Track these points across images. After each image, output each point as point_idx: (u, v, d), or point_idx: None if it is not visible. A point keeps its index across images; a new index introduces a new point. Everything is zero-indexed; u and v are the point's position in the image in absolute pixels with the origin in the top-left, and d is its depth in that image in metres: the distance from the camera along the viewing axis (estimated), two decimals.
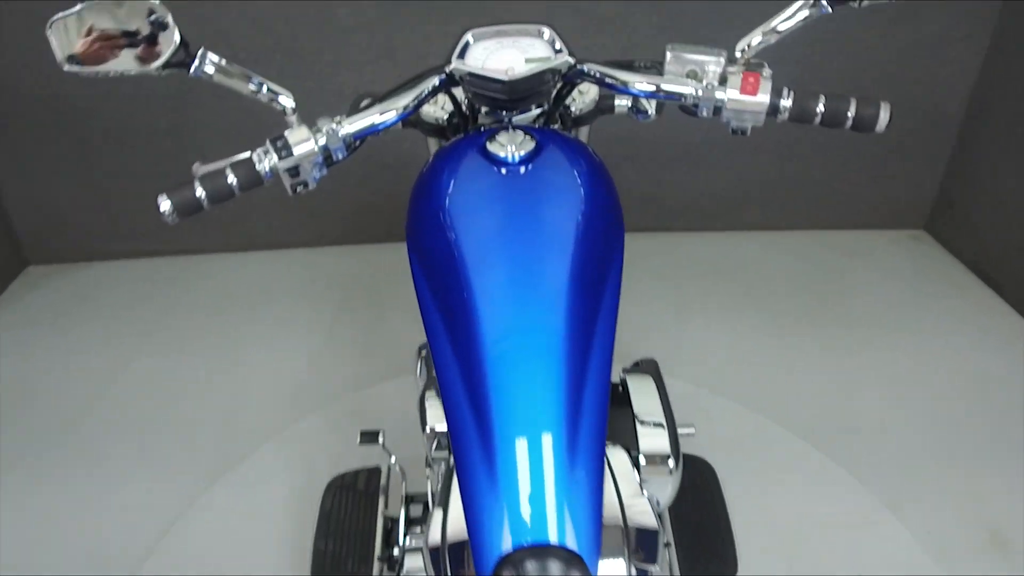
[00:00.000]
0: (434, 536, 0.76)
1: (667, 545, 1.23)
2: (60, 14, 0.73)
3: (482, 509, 0.67)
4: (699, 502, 1.39)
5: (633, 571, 0.75)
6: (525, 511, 0.65)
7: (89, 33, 0.74)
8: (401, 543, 1.24)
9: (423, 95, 0.89)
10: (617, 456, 0.90)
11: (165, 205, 0.79)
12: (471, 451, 0.69)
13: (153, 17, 0.75)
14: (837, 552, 1.65)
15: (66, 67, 0.75)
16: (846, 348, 2.29)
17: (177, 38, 0.75)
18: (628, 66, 0.90)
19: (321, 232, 2.85)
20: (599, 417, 0.71)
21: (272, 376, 2.24)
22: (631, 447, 0.94)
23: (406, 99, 0.88)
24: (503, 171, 0.83)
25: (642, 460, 0.93)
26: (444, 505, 0.80)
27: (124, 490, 1.87)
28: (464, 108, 1.01)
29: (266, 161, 0.81)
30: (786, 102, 0.83)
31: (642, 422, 0.96)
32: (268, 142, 0.81)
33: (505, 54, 0.90)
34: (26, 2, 2.23)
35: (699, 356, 2.26)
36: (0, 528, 1.77)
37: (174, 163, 2.55)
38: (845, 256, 2.75)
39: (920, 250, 2.80)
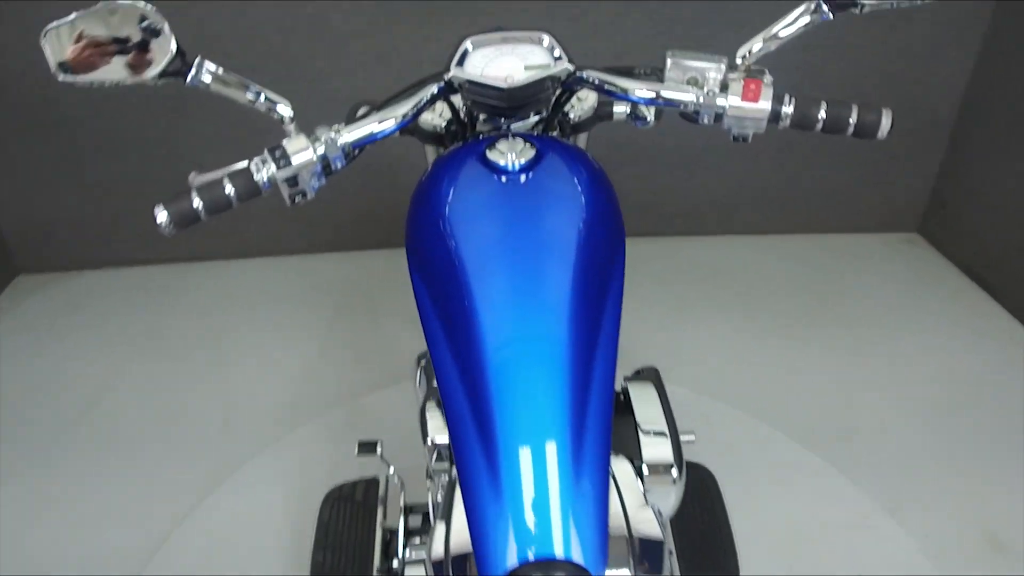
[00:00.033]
0: (437, 550, 0.75)
1: (670, 553, 1.23)
2: (54, 23, 0.72)
3: (486, 522, 0.66)
4: (700, 509, 1.39)
5: None
6: (530, 524, 0.64)
7: (79, 40, 0.73)
8: (400, 555, 1.23)
9: (422, 103, 0.88)
10: (620, 466, 0.90)
11: (162, 216, 0.78)
12: (474, 462, 0.68)
13: (145, 23, 0.74)
14: (836, 555, 1.64)
15: (60, 77, 0.74)
16: (842, 351, 2.29)
17: (173, 47, 0.74)
18: (628, 73, 0.90)
19: (314, 239, 2.83)
20: (603, 426, 0.71)
21: (267, 385, 2.22)
22: (634, 456, 0.93)
23: (405, 107, 0.87)
24: (503, 179, 0.83)
25: (645, 470, 0.93)
26: (447, 518, 0.79)
27: (116, 503, 1.85)
28: (462, 115, 1.00)
29: (264, 171, 0.80)
30: (788, 109, 0.82)
31: (645, 431, 0.95)
32: (266, 151, 0.80)
33: (504, 61, 0.89)
34: (17, 7, 2.22)
35: (696, 360, 2.26)
36: None
37: (166, 170, 2.55)
38: (840, 259, 2.76)
39: (914, 253, 2.81)
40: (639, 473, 0.92)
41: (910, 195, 2.84)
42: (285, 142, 0.81)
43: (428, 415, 0.95)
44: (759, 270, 2.72)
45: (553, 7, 2.35)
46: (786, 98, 0.83)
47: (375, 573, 1.27)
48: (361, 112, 0.95)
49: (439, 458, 0.95)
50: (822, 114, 0.82)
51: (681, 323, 2.43)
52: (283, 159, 0.80)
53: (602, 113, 1.07)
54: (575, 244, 0.78)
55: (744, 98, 0.82)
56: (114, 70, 0.75)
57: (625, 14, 2.39)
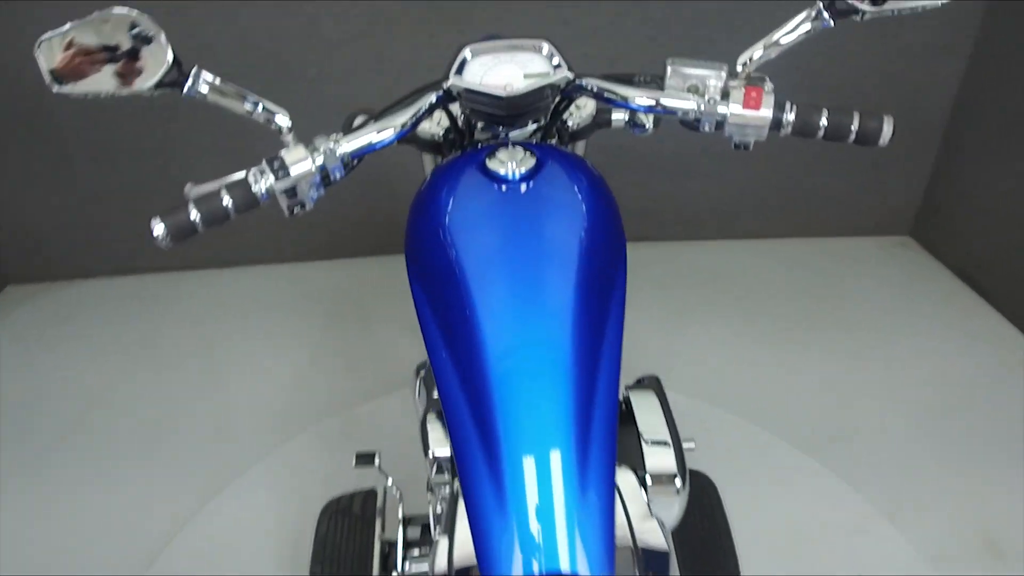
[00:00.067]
0: (440, 565, 0.74)
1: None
2: (48, 34, 0.71)
3: (490, 536, 0.65)
4: (700, 517, 1.38)
5: None
6: (536, 537, 0.63)
7: (69, 47, 0.72)
8: (400, 567, 1.22)
9: (421, 112, 0.87)
10: (624, 476, 0.89)
11: (159, 229, 0.77)
12: (477, 473, 0.67)
13: (135, 31, 0.73)
14: (835, 558, 1.64)
15: (55, 88, 0.72)
16: (838, 355, 2.30)
17: (170, 57, 0.73)
18: (628, 80, 0.90)
19: (306, 246, 2.82)
20: (608, 435, 0.70)
21: (260, 395, 2.20)
22: (637, 466, 0.92)
23: (404, 117, 0.86)
24: (503, 188, 0.82)
25: (648, 480, 0.92)
26: (449, 532, 0.78)
27: (109, 515, 1.82)
28: (460, 124, 0.99)
29: (262, 182, 0.79)
30: (789, 116, 0.82)
31: (647, 441, 0.94)
32: (264, 162, 0.79)
33: (503, 69, 0.88)
34: (6, 16, 2.20)
35: (693, 364, 2.25)
36: None
37: (158, 179, 2.54)
38: (835, 263, 2.77)
39: (907, 256, 2.82)
40: (642, 483, 0.92)
41: (903, 199, 2.86)
42: (283, 152, 0.80)
43: (429, 427, 0.94)
44: (755, 274, 2.72)
45: (544, 10, 2.35)
46: (787, 106, 0.82)
47: None
48: (358, 121, 0.94)
49: (440, 471, 0.94)
50: (823, 121, 0.82)
51: (678, 327, 2.43)
52: (281, 170, 0.79)
53: (600, 120, 1.07)
54: (577, 252, 0.77)
55: (745, 106, 0.82)
56: (104, 79, 0.74)
57: (613, 26, 2.39)
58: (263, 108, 0.79)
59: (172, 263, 2.77)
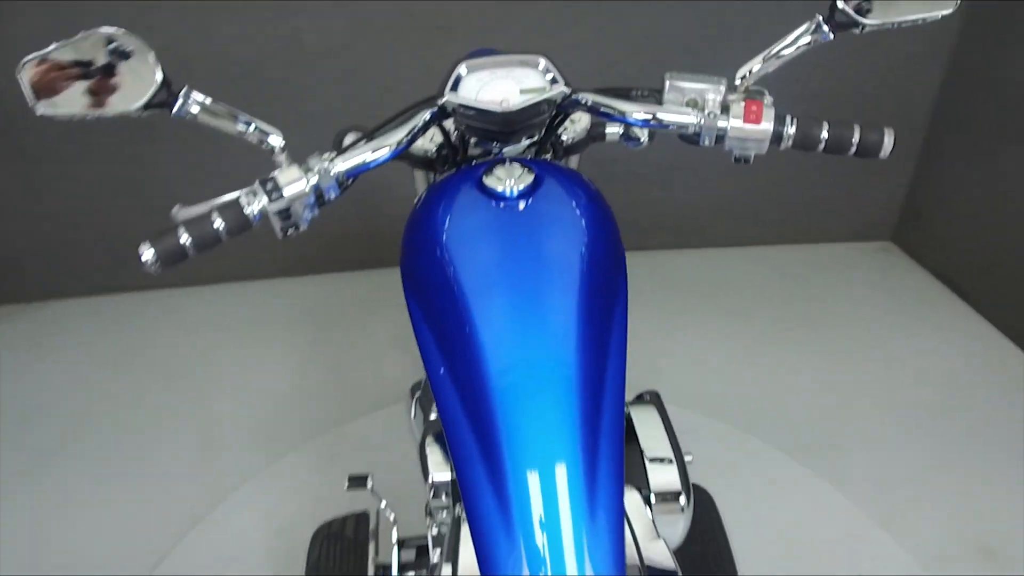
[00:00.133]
0: None
1: None
2: (31, 55, 0.68)
3: (497, 560, 0.63)
4: (699, 531, 1.37)
5: None
6: (545, 560, 0.61)
7: (43, 63, 0.70)
8: None
9: (416, 130, 0.85)
10: (629, 496, 0.87)
11: (148, 254, 0.74)
12: (482, 495, 0.65)
13: (112, 46, 0.70)
14: (832, 563, 1.65)
15: (39, 110, 0.70)
16: (824, 361, 2.31)
17: (159, 77, 0.71)
18: (625, 95, 0.89)
19: (289, 262, 2.78)
20: (617, 451, 0.68)
21: (245, 415, 2.16)
22: (641, 485, 0.91)
23: (399, 135, 0.84)
24: (501, 205, 0.80)
25: (653, 499, 0.90)
26: (453, 559, 0.76)
27: (93, 542, 1.76)
28: (453, 140, 0.98)
29: (255, 203, 0.76)
30: (790, 130, 0.82)
31: (651, 458, 0.93)
32: (257, 183, 0.77)
33: (499, 85, 0.87)
34: None
35: (679, 374, 2.25)
36: None
37: (135, 196, 2.49)
38: (817, 269, 2.79)
39: (889, 261, 2.85)
40: (646, 501, 0.90)
41: (884, 205, 2.89)
42: (276, 173, 0.78)
43: (428, 451, 0.92)
44: (737, 282, 2.74)
45: (526, 22, 2.35)
46: (788, 119, 0.82)
47: None
48: (349, 139, 0.92)
49: (439, 495, 0.92)
50: (824, 135, 0.82)
51: (663, 337, 2.42)
52: (275, 191, 0.77)
53: (595, 134, 1.05)
54: (578, 267, 0.76)
55: (746, 120, 0.81)
56: (76, 96, 0.71)
57: (594, 40, 2.40)
58: (255, 128, 0.77)
59: (152, 281, 2.69)
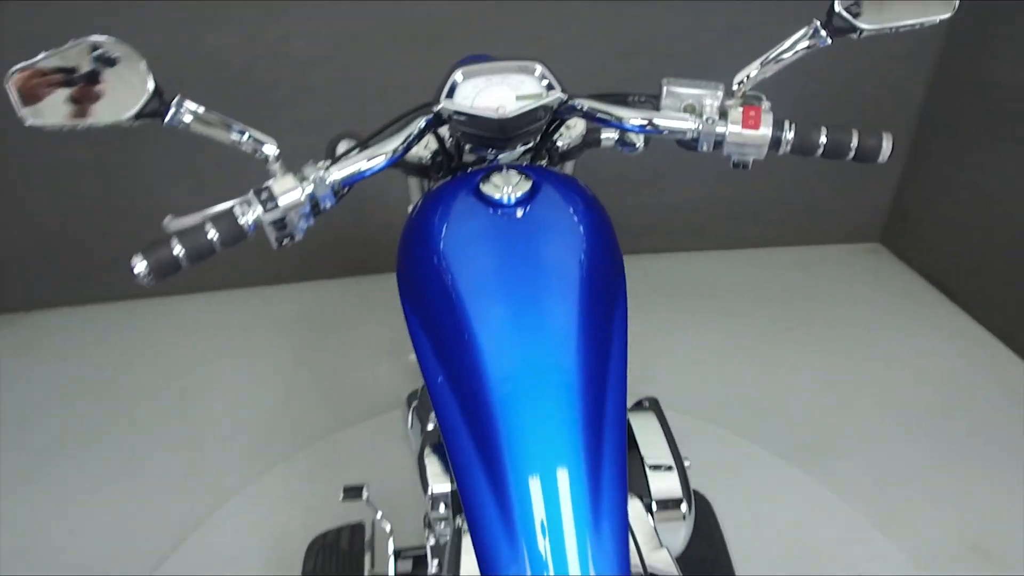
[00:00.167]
0: None
1: None
2: (19, 64, 0.67)
3: (499, 569, 0.62)
4: (697, 537, 1.36)
5: None
6: (549, 569, 0.60)
7: (26, 69, 0.68)
8: None
9: (411, 137, 0.85)
10: (631, 504, 0.86)
11: (140, 266, 0.72)
12: (484, 504, 0.64)
13: (96, 53, 0.69)
14: (829, 564, 1.66)
15: (27, 120, 0.68)
16: (814, 363, 2.32)
17: (151, 86, 0.70)
18: (622, 101, 0.88)
19: (275, 270, 2.75)
20: (620, 457, 0.67)
21: (234, 425, 2.13)
22: (642, 493, 0.90)
23: (395, 142, 0.83)
24: (499, 213, 0.79)
25: (654, 506, 0.89)
26: (455, 570, 0.75)
27: (83, 556, 1.73)
28: (448, 146, 0.97)
29: (249, 214, 0.75)
30: (788, 135, 0.81)
31: (652, 466, 0.92)
32: (251, 193, 0.75)
33: (495, 91, 0.86)
34: None
35: (672, 377, 2.25)
36: None
37: (119, 203, 2.46)
38: (807, 271, 2.80)
39: (878, 262, 2.87)
40: (648, 510, 0.89)
41: (873, 206, 2.90)
42: (271, 182, 0.76)
43: (427, 462, 0.91)
44: (727, 285, 2.74)
45: (515, 27, 2.34)
46: (786, 124, 0.82)
47: None
48: (342, 146, 0.91)
49: (439, 506, 0.90)
50: (823, 139, 0.82)
51: (654, 340, 2.42)
52: (270, 201, 0.75)
53: (590, 140, 1.05)
54: (578, 273, 0.75)
55: (744, 125, 0.81)
56: (58, 103, 0.70)
57: (585, 43, 2.40)
58: (249, 137, 0.76)
59: (136, 291, 2.68)
